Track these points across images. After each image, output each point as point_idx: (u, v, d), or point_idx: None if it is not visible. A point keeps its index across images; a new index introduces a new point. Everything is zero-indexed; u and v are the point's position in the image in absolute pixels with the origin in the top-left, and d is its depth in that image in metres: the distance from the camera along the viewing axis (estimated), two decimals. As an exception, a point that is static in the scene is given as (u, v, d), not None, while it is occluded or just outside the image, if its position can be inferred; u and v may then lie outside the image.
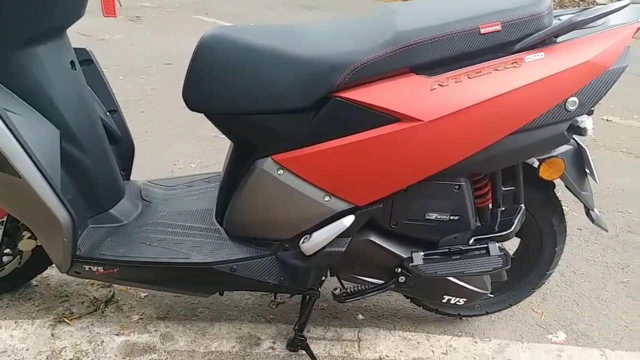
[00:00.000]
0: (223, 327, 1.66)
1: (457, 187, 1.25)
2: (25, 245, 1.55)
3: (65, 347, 1.55)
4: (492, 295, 1.58)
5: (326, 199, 1.25)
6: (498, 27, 1.14)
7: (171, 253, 1.38)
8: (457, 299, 1.40)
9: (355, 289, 1.38)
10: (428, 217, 1.28)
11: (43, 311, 1.67)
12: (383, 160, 1.18)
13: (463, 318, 1.69)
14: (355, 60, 1.15)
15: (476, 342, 1.66)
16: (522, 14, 1.15)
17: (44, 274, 1.77)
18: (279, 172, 1.26)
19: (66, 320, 1.63)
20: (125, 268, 1.39)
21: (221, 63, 1.24)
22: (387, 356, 1.59)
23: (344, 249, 1.27)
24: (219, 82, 1.25)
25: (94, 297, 1.74)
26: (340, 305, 1.76)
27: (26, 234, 1.53)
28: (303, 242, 1.29)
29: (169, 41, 4.62)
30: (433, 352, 1.62)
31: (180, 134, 2.99)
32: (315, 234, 1.26)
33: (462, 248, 1.28)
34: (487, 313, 1.65)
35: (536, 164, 1.33)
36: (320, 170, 1.23)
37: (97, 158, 1.43)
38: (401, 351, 1.61)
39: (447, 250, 1.29)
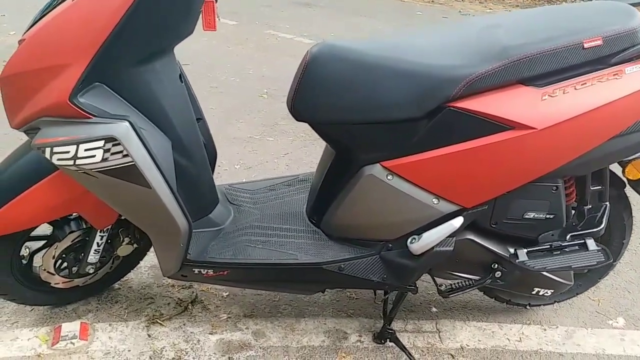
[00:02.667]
0: (309, 322, 1.74)
1: (554, 188, 1.36)
2: (124, 250, 1.61)
3: (165, 347, 1.61)
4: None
5: (435, 202, 1.34)
6: (599, 42, 1.25)
7: (279, 254, 1.45)
8: (546, 290, 1.52)
9: (458, 285, 1.48)
10: (526, 216, 1.39)
11: (133, 313, 1.73)
12: (494, 165, 1.28)
13: (530, 307, 1.81)
14: (470, 73, 1.24)
15: (545, 330, 1.78)
16: (620, 29, 1.25)
17: (125, 277, 1.82)
18: (388, 178, 1.34)
19: (159, 321, 1.69)
20: (236, 270, 1.46)
21: (334, 76, 1.32)
22: (467, 345, 1.70)
23: (451, 249, 1.37)
24: (331, 94, 1.32)
25: (179, 298, 1.80)
26: (413, 300, 1.86)
27: (125, 240, 1.58)
28: (412, 243, 1.38)
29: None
30: (508, 340, 1.73)
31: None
32: (426, 235, 1.35)
33: (562, 244, 1.40)
34: (556, 302, 1.77)
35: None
36: (431, 175, 1.32)
37: (200, 165, 1.49)
38: (479, 340, 1.72)
39: (549, 246, 1.40)
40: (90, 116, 1.19)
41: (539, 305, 1.80)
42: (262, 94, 3.73)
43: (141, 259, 1.78)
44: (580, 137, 1.26)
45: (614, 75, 1.25)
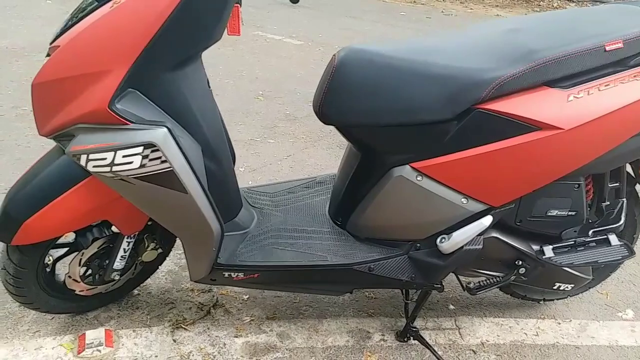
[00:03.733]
0: (331, 323, 1.76)
1: (577, 185, 1.41)
2: (149, 256, 1.60)
3: (191, 351, 1.61)
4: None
5: (464, 202, 1.38)
6: (620, 45, 1.30)
7: (309, 256, 1.47)
8: (567, 285, 1.57)
9: (485, 282, 1.52)
10: (549, 213, 1.43)
11: (155, 319, 1.72)
12: (522, 164, 1.32)
13: (544, 302, 1.86)
14: (499, 75, 1.27)
15: (559, 324, 1.83)
16: (639, 32, 1.31)
17: (143, 283, 1.82)
18: (418, 179, 1.37)
19: (182, 326, 1.69)
20: (267, 273, 1.47)
21: (362, 80, 1.34)
22: (487, 341, 1.74)
23: (480, 247, 1.41)
24: (360, 97, 1.35)
25: (200, 302, 1.80)
26: (431, 298, 1.87)
27: (151, 246, 1.58)
28: (441, 242, 1.41)
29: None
30: (526, 334, 1.78)
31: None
32: (456, 234, 1.39)
33: (586, 240, 1.45)
34: (569, 296, 1.82)
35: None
36: (460, 176, 1.35)
37: (227, 169, 1.50)
38: (498, 336, 1.77)
39: (573, 242, 1.45)
40: (128, 122, 1.19)
41: (552, 300, 1.85)
42: (257, 96, 3.74)
43: (161, 264, 1.78)
44: (603, 136, 1.30)
45: (634, 76, 1.30)
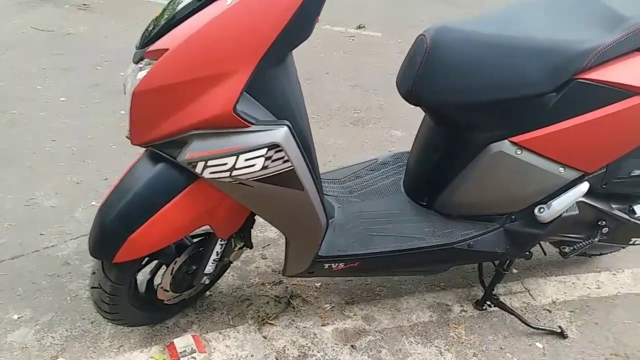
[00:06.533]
0: (409, 300, 1.79)
1: (656, 145, 1.48)
2: (236, 256, 1.56)
3: (285, 345, 1.59)
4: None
5: (561, 171, 1.41)
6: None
7: (408, 240, 1.47)
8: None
9: (576, 246, 1.57)
10: (633, 174, 1.50)
11: (237, 317, 1.68)
12: (619, 130, 1.37)
13: (594, 257, 1.96)
14: (598, 45, 1.30)
15: (615, 275, 1.94)
16: None
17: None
18: (517, 153, 1.39)
19: (268, 321, 1.67)
20: (368, 260, 1.46)
21: (460, 58, 1.34)
22: (557, 299, 1.82)
23: (577, 212, 1.46)
24: (458, 76, 1.34)
25: (275, 296, 1.77)
26: (489, 265, 1.94)
27: (238, 245, 1.52)
28: (540, 212, 1.44)
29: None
30: (589, 289, 1.87)
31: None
32: (555, 202, 1.42)
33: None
34: (619, 249, 1.92)
35: None
36: (559, 146, 1.38)
37: (315, 160, 1.46)
38: (565, 293, 1.85)
39: (658, 199, 1.53)
40: (249, 125, 1.13)
41: (608, 253, 1.94)
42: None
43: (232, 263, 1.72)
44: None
45: None
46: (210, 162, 1.14)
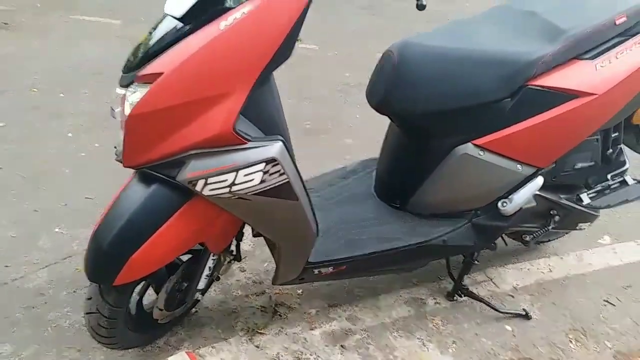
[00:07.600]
0: (388, 298, 1.90)
1: (596, 140, 1.69)
2: (225, 270, 1.60)
3: (279, 352, 1.65)
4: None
5: (519, 168, 1.58)
6: (625, 18, 1.57)
7: (388, 241, 1.58)
8: (585, 224, 1.86)
9: (534, 234, 1.74)
10: (576, 167, 1.70)
11: (227, 330, 1.72)
12: (565, 128, 1.55)
13: (543, 243, 2.17)
14: (543, 55, 1.48)
15: (562, 258, 2.16)
16: (638, 5, 1.59)
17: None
18: (480, 154, 1.54)
19: (258, 331, 1.72)
20: (354, 263, 1.55)
21: (427, 71, 1.48)
22: (517, 285, 2.00)
23: (534, 204, 1.63)
24: (426, 87, 1.48)
25: (260, 306, 1.83)
26: (455, 258, 2.09)
27: (227, 259, 1.57)
28: (503, 206, 1.60)
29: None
30: (543, 273, 2.08)
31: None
32: (517, 196, 1.59)
33: (610, 185, 1.73)
34: (565, 234, 2.14)
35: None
36: (516, 146, 1.55)
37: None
38: (523, 278, 2.04)
39: (600, 188, 1.73)
40: (246, 142, 1.20)
41: (555, 239, 2.15)
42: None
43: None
44: (622, 95, 1.58)
45: (638, 43, 1.58)
46: (210, 180, 1.19)
